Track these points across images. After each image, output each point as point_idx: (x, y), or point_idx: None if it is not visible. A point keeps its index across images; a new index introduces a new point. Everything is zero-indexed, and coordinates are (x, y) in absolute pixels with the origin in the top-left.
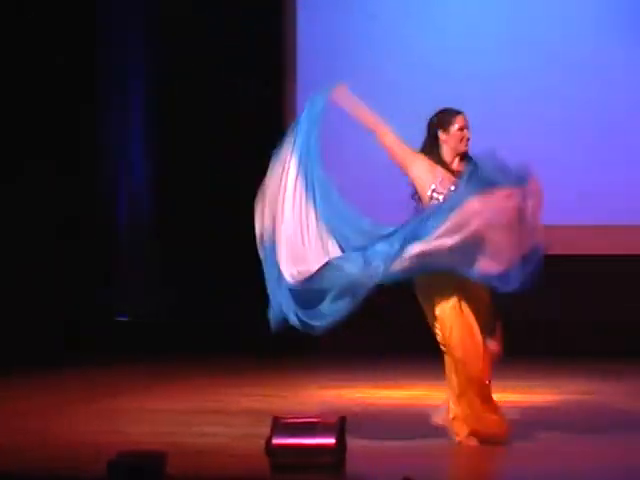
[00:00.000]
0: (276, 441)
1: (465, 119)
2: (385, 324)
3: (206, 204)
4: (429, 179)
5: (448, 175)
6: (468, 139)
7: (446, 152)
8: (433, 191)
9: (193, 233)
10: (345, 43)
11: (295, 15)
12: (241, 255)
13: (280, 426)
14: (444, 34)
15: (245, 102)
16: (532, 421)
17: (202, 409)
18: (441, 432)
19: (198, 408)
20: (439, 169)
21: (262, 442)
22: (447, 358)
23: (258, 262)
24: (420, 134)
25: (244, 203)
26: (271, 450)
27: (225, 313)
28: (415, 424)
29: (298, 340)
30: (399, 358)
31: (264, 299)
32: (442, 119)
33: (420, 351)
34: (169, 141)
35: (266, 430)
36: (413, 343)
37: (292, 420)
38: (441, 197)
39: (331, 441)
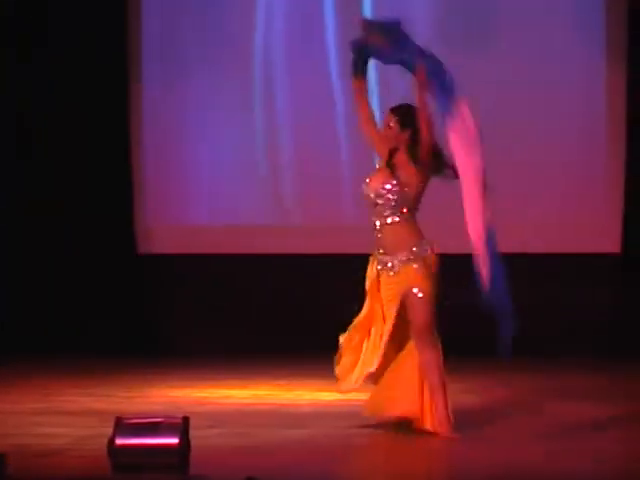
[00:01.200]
0: (119, 441)
1: (387, 115)
2: (237, 325)
3: (53, 206)
4: None
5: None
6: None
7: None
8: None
9: (37, 231)
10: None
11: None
12: (80, 251)
13: (123, 426)
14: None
15: (91, 101)
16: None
17: (45, 410)
18: (286, 431)
19: (41, 409)
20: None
21: (105, 442)
22: None
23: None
24: None
25: (93, 206)
26: (113, 450)
27: (69, 312)
28: (259, 424)
29: (153, 341)
30: (246, 358)
31: (108, 298)
32: None
33: (266, 351)
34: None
35: (110, 430)
36: (262, 344)
37: (135, 420)
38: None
39: (174, 441)
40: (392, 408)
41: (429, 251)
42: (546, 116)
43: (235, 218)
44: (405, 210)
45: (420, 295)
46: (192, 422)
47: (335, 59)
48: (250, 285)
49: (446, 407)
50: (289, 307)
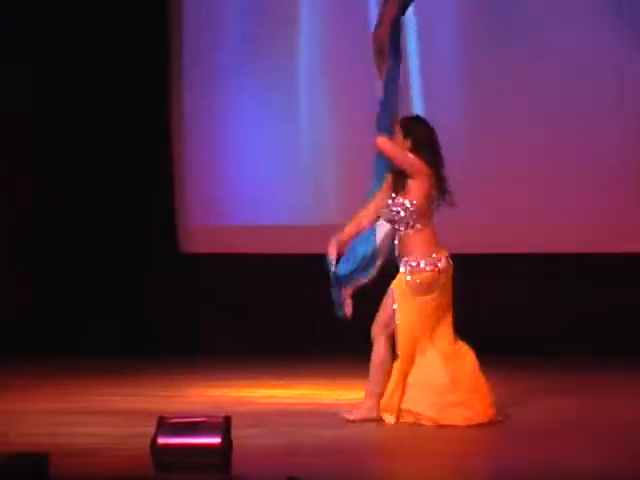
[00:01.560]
0: (161, 441)
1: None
2: (279, 325)
3: (90, 204)
4: None
5: None
6: None
7: None
8: None
9: (77, 231)
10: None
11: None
12: (122, 250)
13: (165, 426)
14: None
15: (132, 99)
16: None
17: (85, 409)
18: (327, 431)
19: (81, 408)
20: None
21: (147, 442)
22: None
23: (126, 260)
24: None
25: (134, 206)
26: (156, 450)
27: (110, 312)
28: (300, 424)
29: (182, 339)
30: (286, 358)
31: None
32: None
33: (307, 351)
34: (53, 135)
35: (151, 430)
36: (300, 343)
37: (177, 420)
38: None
39: (216, 440)
40: None
41: (425, 267)
42: (579, 116)
43: (277, 218)
44: (411, 223)
45: (395, 306)
46: (233, 422)
47: None
48: (291, 284)
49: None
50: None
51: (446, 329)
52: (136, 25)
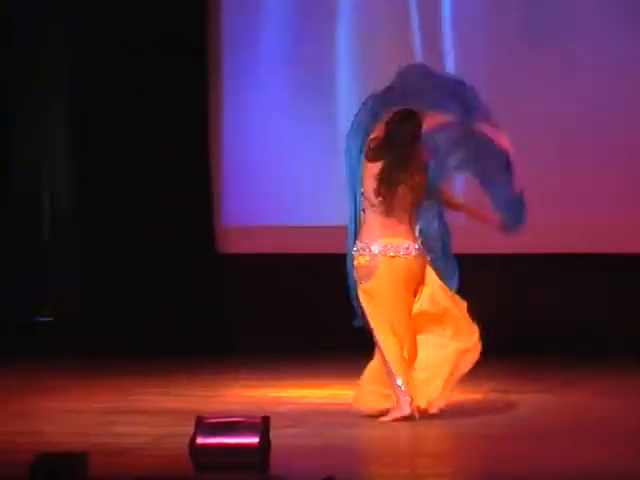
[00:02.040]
0: (200, 440)
1: None
2: (307, 323)
3: (128, 202)
4: None
5: None
6: None
7: None
8: None
9: (115, 229)
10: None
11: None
12: (160, 250)
13: (204, 425)
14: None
15: (170, 96)
16: (453, 420)
17: (124, 409)
18: (364, 432)
19: (120, 408)
20: None
21: (186, 442)
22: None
23: (180, 263)
24: None
25: (171, 205)
26: (195, 449)
27: (146, 312)
28: (338, 423)
29: (218, 340)
30: (322, 358)
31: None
32: None
33: (342, 350)
34: (92, 136)
35: (189, 430)
36: (336, 342)
37: (216, 419)
38: None
39: (254, 440)
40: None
41: (358, 250)
42: (611, 120)
43: (315, 219)
44: (362, 207)
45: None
46: (271, 422)
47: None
48: (331, 284)
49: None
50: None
51: (407, 320)
52: (174, 21)
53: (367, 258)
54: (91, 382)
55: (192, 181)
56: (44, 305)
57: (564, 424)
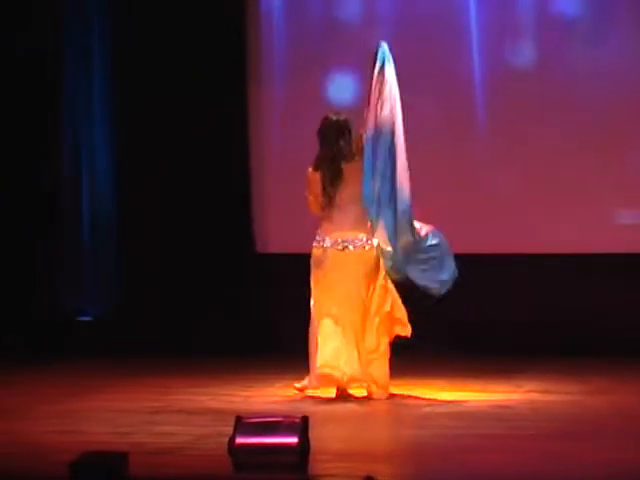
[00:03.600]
0: (239, 440)
1: None
2: None
3: (169, 204)
4: None
5: None
6: None
7: None
8: None
9: (156, 231)
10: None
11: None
12: (198, 249)
13: (243, 425)
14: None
15: (210, 97)
16: (493, 419)
17: (164, 409)
18: (401, 432)
19: (160, 408)
20: None
21: (225, 441)
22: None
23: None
24: None
25: (210, 204)
26: (234, 449)
27: (185, 311)
28: (377, 424)
29: (259, 339)
30: None
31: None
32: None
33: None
34: (134, 136)
35: (229, 429)
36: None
37: (255, 419)
38: None
39: (294, 440)
40: None
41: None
42: None
43: None
44: None
45: None
46: (310, 421)
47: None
48: None
49: None
50: None
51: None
52: (213, 27)
53: (316, 248)
54: (132, 382)
55: (232, 180)
56: (82, 305)
57: (608, 425)
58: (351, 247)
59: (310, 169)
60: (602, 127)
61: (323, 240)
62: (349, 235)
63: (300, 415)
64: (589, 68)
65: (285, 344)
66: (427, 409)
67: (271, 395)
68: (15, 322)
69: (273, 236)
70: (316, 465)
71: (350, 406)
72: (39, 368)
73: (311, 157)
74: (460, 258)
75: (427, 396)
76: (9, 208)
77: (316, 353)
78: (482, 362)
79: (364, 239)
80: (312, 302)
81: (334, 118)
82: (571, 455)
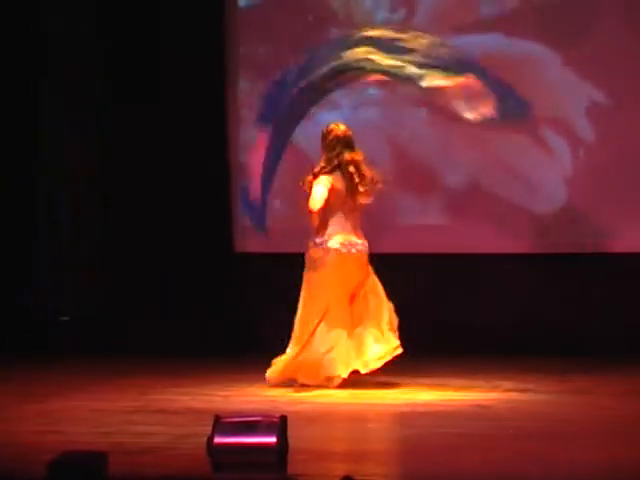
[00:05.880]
0: (217, 440)
1: None
2: None
3: (150, 205)
4: None
5: None
6: None
7: None
8: None
9: (137, 231)
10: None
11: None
12: (177, 250)
13: (221, 425)
14: None
15: (188, 95)
16: (474, 418)
17: (143, 408)
18: (382, 431)
19: (139, 407)
20: None
21: (204, 441)
22: None
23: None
24: None
25: (189, 205)
26: (212, 449)
27: (165, 311)
28: (357, 423)
29: (237, 339)
30: None
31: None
32: None
33: None
34: (115, 137)
35: (208, 429)
36: None
37: (233, 419)
38: None
39: (272, 440)
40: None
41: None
42: None
43: None
44: None
45: None
46: (289, 421)
47: None
48: None
49: None
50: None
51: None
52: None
53: (316, 249)
54: (112, 382)
55: (211, 181)
56: (63, 305)
57: (588, 424)
58: (354, 250)
59: (325, 176)
60: None
61: (325, 242)
62: (353, 239)
63: (279, 415)
64: None
65: (265, 344)
66: (407, 409)
67: (251, 395)
68: None
69: (252, 236)
70: (295, 465)
71: (329, 406)
72: (20, 368)
73: (290, 159)
74: (439, 258)
75: (407, 396)
76: None
77: (304, 350)
78: (462, 362)
79: (365, 244)
80: (301, 302)
81: (343, 127)
82: (551, 454)
